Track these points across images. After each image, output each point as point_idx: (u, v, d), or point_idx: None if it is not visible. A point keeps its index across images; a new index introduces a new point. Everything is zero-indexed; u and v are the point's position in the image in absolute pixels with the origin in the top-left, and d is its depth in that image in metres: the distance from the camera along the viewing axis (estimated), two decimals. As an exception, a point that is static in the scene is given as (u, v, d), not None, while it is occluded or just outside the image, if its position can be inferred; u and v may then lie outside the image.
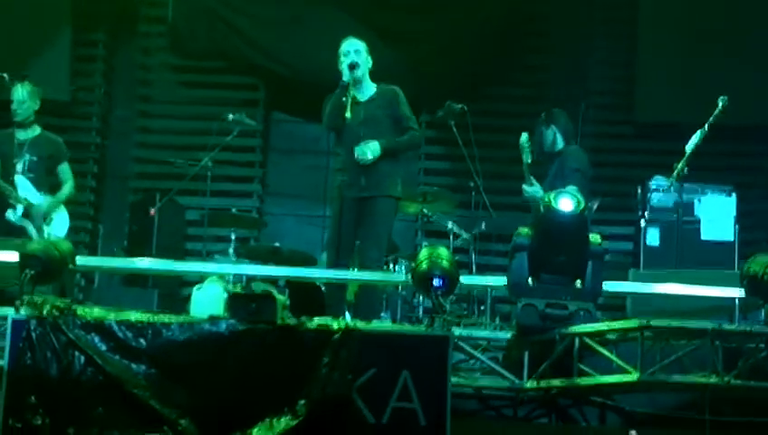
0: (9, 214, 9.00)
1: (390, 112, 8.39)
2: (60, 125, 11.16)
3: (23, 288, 6.50)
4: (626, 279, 8.11)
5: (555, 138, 9.15)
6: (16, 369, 6.25)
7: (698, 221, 9.71)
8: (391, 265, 9.45)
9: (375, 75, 8.49)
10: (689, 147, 8.35)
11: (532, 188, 8.77)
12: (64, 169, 9.44)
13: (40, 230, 9.00)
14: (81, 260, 7.33)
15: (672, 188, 8.68)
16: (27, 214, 9.04)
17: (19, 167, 9.15)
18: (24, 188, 9.11)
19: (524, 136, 8.78)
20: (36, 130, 9.38)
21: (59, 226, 9.20)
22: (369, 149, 8.16)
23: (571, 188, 8.65)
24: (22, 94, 9.28)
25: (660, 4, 11.50)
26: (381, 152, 8.19)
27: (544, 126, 9.21)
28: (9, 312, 6.43)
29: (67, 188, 9.41)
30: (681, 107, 10.75)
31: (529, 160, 8.78)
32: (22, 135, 9.29)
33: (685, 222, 9.07)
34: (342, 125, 8.22)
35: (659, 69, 11.32)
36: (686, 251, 8.75)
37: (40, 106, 9.39)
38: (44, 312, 6.35)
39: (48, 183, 9.32)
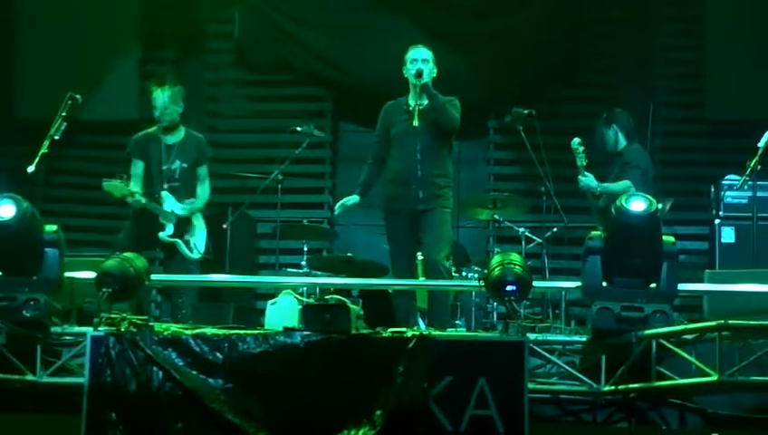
0: (162, 235, 8.53)
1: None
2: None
3: (100, 306, 6.59)
4: (702, 279, 8.01)
5: (617, 137, 9.15)
6: (96, 386, 6.35)
7: (774, 218, 9.61)
8: (463, 273, 9.45)
9: (440, 82, 8.47)
10: (762, 143, 8.27)
11: (587, 179, 8.77)
12: (203, 172, 8.87)
13: (188, 243, 8.64)
14: (156, 276, 7.38)
15: (746, 185, 8.59)
16: (177, 230, 8.61)
17: (168, 175, 8.65)
18: (169, 203, 8.62)
19: (576, 140, 8.78)
20: (182, 133, 8.84)
21: (200, 234, 8.79)
22: (426, 74, 8.22)
23: (625, 183, 8.63)
24: (162, 99, 8.73)
25: (728, 0, 11.38)
26: (429, 83, 8.24)
27: (605, 126, 9.20)
28: (88, 330, 6.53)
29: (204, 192, 8.84)
30: (752, 104, 10.64)
31: (584, 163, 8.75)
32: (169, 139, 8.76)
33: (760, 219, 8.97)
34: (403, 136, 8.26)
35: (729, 66, 11.19)
36: (762, 248, 8.64)
37: (181, 111, 8.83)
38: (122, 329, 6.44)
39: (193, 188, 8.83)
